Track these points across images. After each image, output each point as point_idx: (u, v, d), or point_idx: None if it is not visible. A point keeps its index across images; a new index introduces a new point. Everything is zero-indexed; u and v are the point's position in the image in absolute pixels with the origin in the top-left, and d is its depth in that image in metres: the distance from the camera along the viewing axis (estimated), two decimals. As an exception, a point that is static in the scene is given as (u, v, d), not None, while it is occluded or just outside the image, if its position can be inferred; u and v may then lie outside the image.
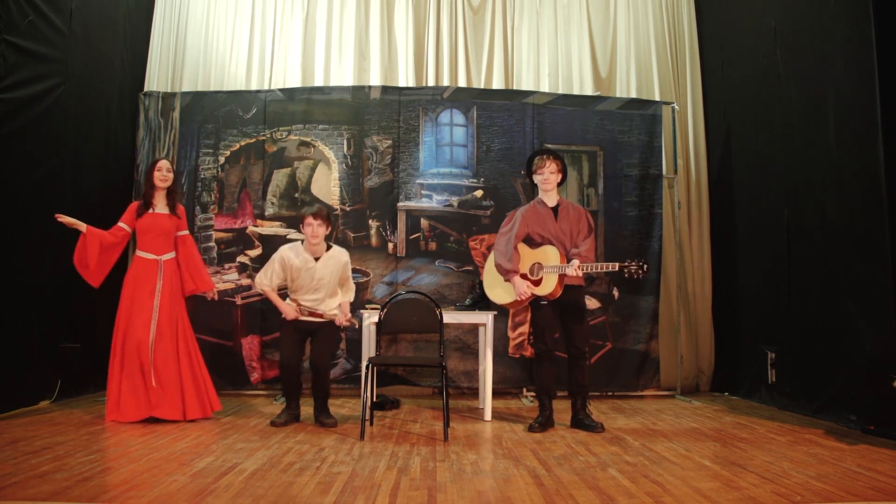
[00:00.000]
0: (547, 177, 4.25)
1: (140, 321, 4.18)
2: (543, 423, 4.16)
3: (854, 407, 4.17)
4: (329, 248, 4.30)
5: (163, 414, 4.11)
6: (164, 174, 4.37)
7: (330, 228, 4.32)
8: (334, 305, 4.32)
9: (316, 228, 4.15)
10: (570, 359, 4.25)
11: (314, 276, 4.23)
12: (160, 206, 4.38)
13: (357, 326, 4.44)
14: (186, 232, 4.50)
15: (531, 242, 4.26)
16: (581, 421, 4.20)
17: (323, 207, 4.48)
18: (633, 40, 6.29)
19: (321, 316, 4.25)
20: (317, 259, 4.23)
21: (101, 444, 3.51)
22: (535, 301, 4.23)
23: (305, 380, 4.43)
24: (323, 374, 4.26)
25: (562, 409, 4.42)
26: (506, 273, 4.22)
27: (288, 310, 4.24)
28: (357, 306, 5.30)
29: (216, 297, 4.76)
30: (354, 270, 5.36)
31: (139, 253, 4.33)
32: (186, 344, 4.32)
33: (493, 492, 2.79)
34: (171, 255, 4.38)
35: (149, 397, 4.12)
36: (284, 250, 4.29)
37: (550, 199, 4.31)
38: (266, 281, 4.31)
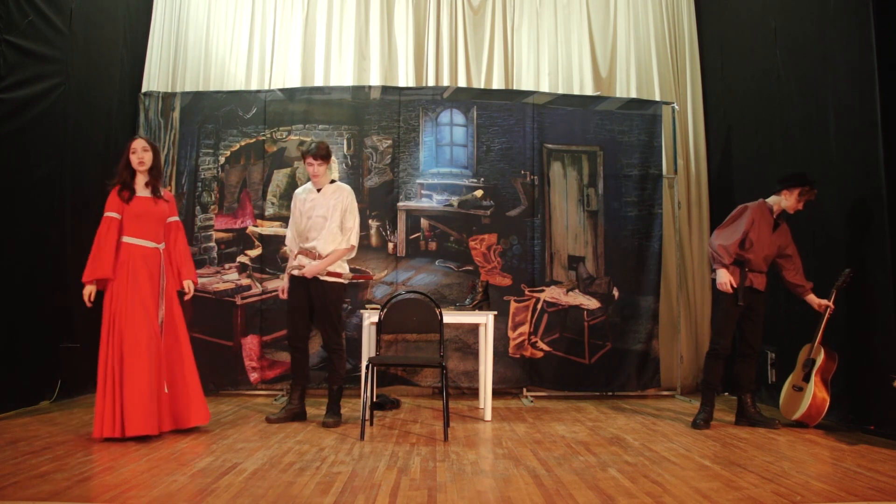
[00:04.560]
0: (801, 207, 4.21)
1: (147, 319, 3.71)
2: (707, 419, 4.24)
3: (854, 407, 4.17)
4: (333, 181, 4.38)
5: (168, 425, 3.76)
6: (139, 156, 3.82)
7: (329, 163, 4.35)
8: (329, 251, 4.23)
9: (316, 168, 4.25)
10: (742, 357, 4.35)
11: (316, 208, 4.28)
12: (141, 189, 3.85)
13: (308, 276, 4.21)
14: (177, 218, 4.03)
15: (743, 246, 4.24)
16: (753, 416, 4.26)
17: (323, 144, 4.33)
18: (633, 40, 6.29)
19: (312, 259, 4.21)
20: (319, 191, 4.33)
21: (101, 444, 3.50)
22: (730, 298, 4.21)
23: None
24: (330, 353, 4.29)
25: (558, 408, 4.41)
26: (719, 261, 4.19)
27: (281, 286, 4.44)
28: (357, 306, 5.32)
29: (191, 294, 4.02)
30: (354, 270, 5.37)
31: (134, 241, 3.78)
32: (188, 346, 3.95)
33: (493, 492, 2.79)
34: (164, 244, 3.92)
35: (160, 408, 3.68)
36: (297, 191, 4.48)
37: (775, 209, 4.29)
38: (289, 235, 4.45)
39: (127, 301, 3.68)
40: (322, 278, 4.21)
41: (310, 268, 4.19)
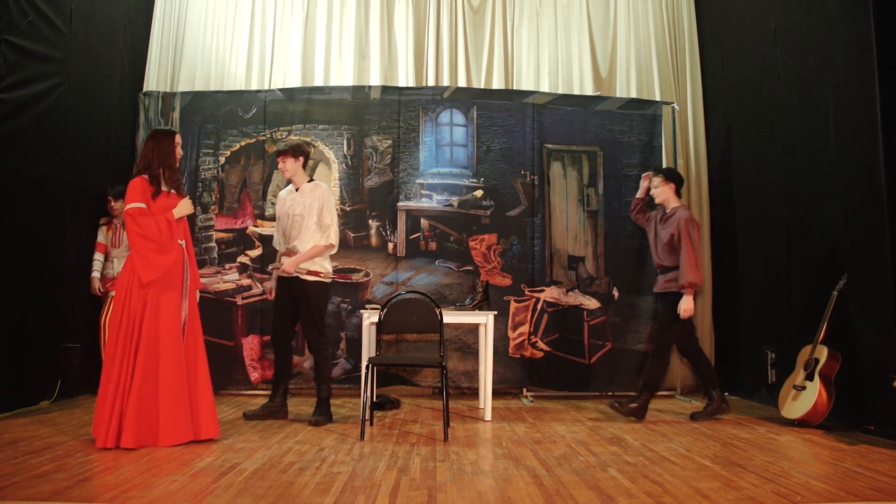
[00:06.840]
0: (652, 191, 4.76)
1: (172, 322, 3.58)
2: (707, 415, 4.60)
3: (854, 407, 4.17)
4: (311, 181, 4.41)
5: (199, 435, 3.59)
6: (180, 150, 3.80)
7: (302, 159, 4.36)
8: (308, 248, 4.23)
9: (283, 164, 4.34)
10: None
11: (295, 206, 4.30)
12: (164, 185, 3.74)
13: (290, 274, 4.19)
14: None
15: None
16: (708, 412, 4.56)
17: (294, 142, 4.38)
18: (633, 40, 6.29)
19: (289, 264, 4.20)
20: (298, 190, 4.36)
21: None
22: None
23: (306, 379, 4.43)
24: (315, 354, 4.28)
25: (558, 408, 4.40)
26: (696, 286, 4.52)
27: (268, 287, 4.50)
28: (357, 306, 5.32)
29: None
30: (354, 270, 5.37)
31: None
32: (203, 351, 3.73)
33: (493, 492, 2.79)
34: (184, 241, 3.74)
35: (190, 416, 3.54)
36: (280, 192, 4.55)
37: (668, 206, 4.70)
38: (275, 237, 4.53)
39: (149, 299, 3.52)
40: (302, 277, 4.21)
41: (286, 263, 4.21)
